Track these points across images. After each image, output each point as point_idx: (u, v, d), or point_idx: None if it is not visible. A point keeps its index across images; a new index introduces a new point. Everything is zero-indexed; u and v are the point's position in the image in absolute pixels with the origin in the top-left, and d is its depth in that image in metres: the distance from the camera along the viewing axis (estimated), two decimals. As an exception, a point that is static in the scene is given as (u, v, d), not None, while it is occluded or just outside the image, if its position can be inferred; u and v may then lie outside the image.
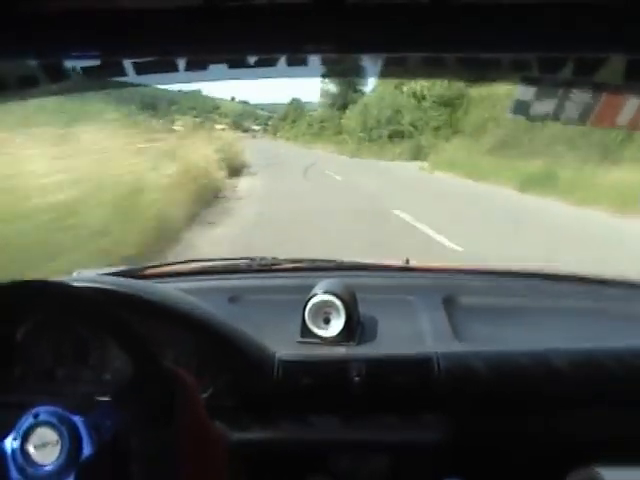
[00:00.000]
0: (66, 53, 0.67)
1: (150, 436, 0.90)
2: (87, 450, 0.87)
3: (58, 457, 0.87)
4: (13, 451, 0.87)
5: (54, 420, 0.88)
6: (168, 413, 0.91)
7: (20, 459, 0.87)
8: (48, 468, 0.86)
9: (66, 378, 1.16)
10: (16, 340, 1.18)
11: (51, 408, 0.89)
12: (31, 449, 0.87)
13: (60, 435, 0.87)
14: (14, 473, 0.87)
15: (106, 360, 1.19)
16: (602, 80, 0.75)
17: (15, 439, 0.87)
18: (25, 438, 0.87)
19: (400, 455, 1.25)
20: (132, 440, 0.91)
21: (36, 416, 0.88)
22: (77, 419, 0.88)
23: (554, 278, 1.62)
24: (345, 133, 28.95)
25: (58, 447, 0.87)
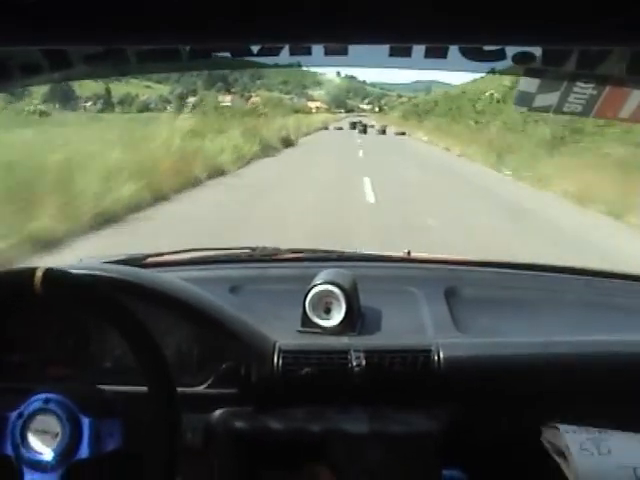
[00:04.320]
0: (69, 40, 0.67)
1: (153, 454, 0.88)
2: (83, 453, 0.87)
3: (53, 449, 0.87)
4: (14, 426, 0.88)
5: (62, 413, 0.87)
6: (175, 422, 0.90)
7: (18, 437, 0.87)
8: (40, 456, 0.86)
9: (67, 365, 1.17)
10: (17, 327, 1.19)
11: (62, 399, 0.88)
12: (31, 432, 0.87)
13: (62, 429, 0.87)
14: (8, 447, 0.88)
15: (107, 348, 1.20)
16: (605, 72, 0.75)
17: (20, 417, 0.88)
18: (29, 419, 0.88)
19: (399, 445, 1.26)
20: (133, 454, 0.90)
21: (47, 402, 0.88)
22: (85, 420, 0.88)
23: (555, 270, 1.63)
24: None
25: (56, 440, 0.87)
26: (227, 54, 0.74)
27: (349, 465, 1.27)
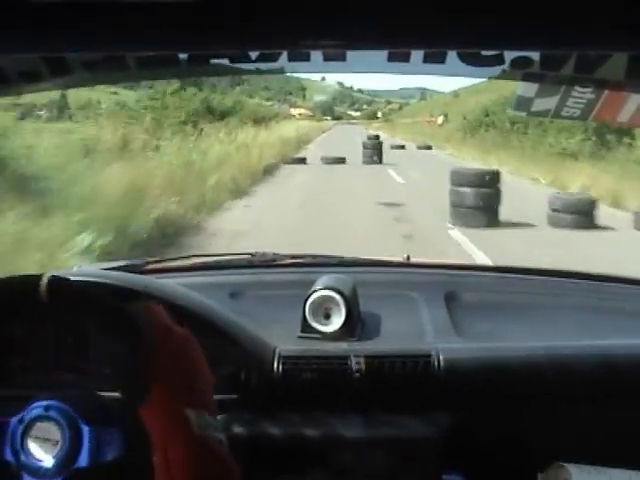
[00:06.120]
0: (68, 47, 0.67)
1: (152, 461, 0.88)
2: (82, 461, 0.87)
3: (53, 457, 0.86)
4: (14, 432, 0.87)
5: (63, 420, 0.87)
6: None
7: (18, 443, 0.87)
8: (40, 463, 0.86)
9: (66, 372, 1.16)
10: (16, 334, 1.19)
11: (64, 407, 0.88)
12: (31, 439, 0.87)
13: (63, 437, 0.87)
14: (8, 454, 0.87)
15: (106, 355, 1.19)
16: (604, 77, 0.75)
17: (21, 422, 0.87)
18: (30, 426, 0.87)
19: (399, 450, 1.26)
20: (133, 465, 0.90)
21: (47, 409, 0.88)
22: (85, 428, 0.87)
23: (555, 275, 1.63)
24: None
25: (57, 448, 0.86)
26: (225, 60, 0.74)
27: (350, 470, 1.26)
